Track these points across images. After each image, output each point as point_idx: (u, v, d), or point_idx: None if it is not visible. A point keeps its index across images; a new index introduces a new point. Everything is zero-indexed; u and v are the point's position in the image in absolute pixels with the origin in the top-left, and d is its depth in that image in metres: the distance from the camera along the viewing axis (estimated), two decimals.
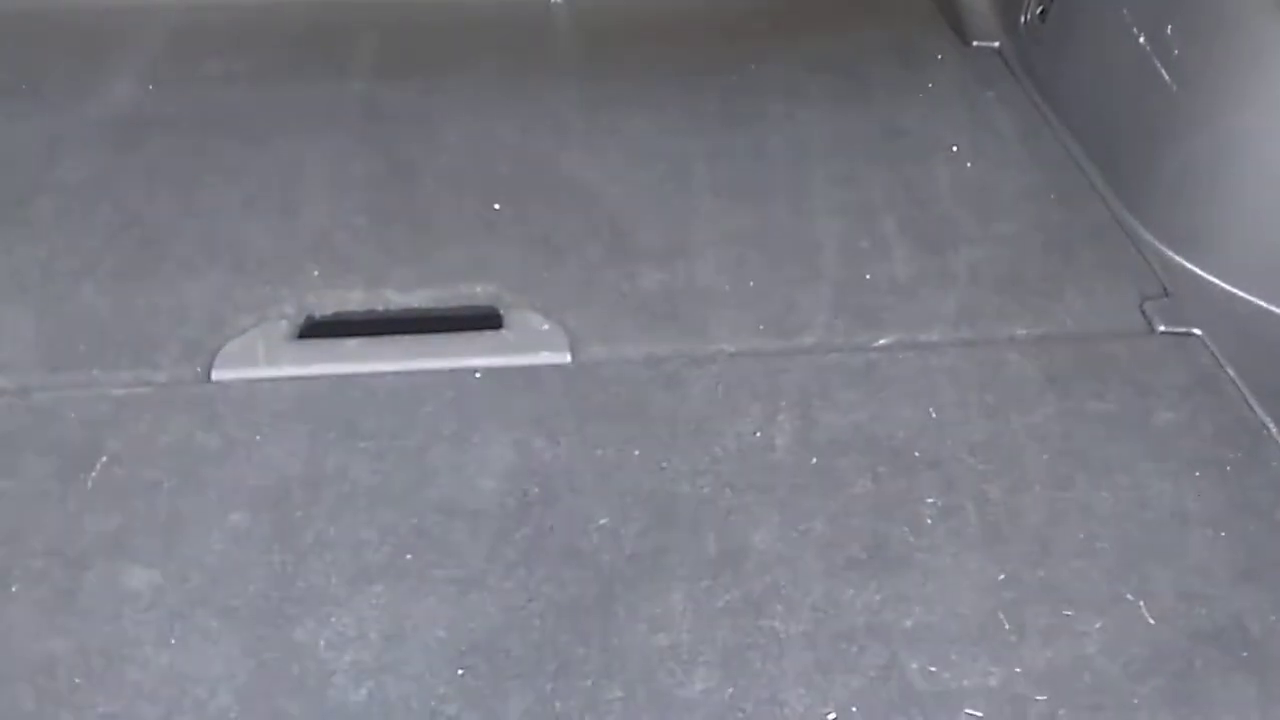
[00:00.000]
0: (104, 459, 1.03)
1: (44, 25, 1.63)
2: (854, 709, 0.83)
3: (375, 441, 1.05)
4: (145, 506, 0.99)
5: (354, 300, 1.22)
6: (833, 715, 0.83)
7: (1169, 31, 1.30)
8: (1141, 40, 1.33)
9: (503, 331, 1.17)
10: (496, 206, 1.33)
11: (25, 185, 1.36)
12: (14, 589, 0.92)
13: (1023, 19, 1.57)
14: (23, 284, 1.23)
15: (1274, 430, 1.06)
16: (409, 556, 0.94)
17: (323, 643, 0.88)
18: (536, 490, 1.01)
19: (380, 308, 1.22)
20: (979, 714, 0.83)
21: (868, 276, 1.22)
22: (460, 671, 0.86)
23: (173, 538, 0.96)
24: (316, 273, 1.24)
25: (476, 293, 1.23)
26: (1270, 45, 1.21)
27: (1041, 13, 1.52)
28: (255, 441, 1.05)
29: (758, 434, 1.05)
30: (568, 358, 1.14)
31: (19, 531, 0.96)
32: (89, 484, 1.01)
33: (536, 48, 1.61)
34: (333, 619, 0.89)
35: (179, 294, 1.21)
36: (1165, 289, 1.22)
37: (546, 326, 1.18)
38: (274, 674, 0.86)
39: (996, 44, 1.63)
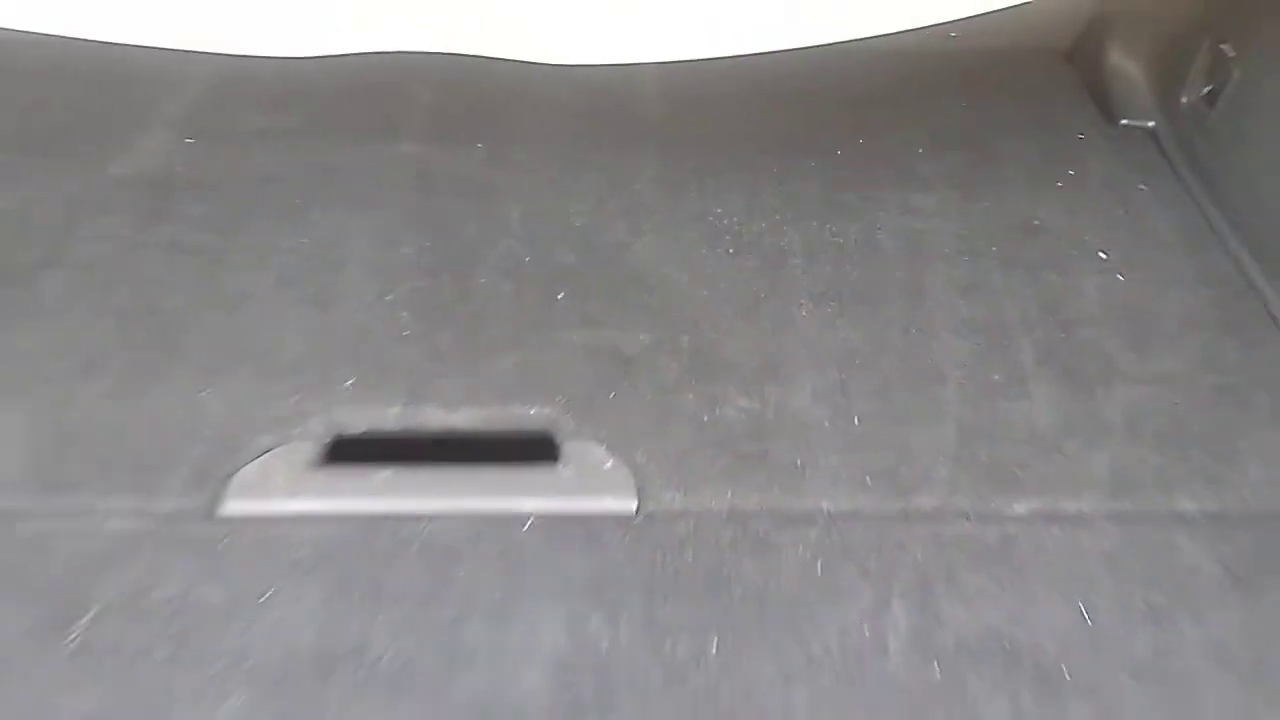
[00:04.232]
0: (92, 613, 0.89)
1: (72, 60, 1.46)
2: None
3: (402, 608, 0.89)
4: (131, 681, 0.84)
5: (390, 417, 1.05)
6: None
7: None
8: None
9: (558, 467, 1.00)
10: (560, 297, 1.16)
11: (36, 258, 1.22)
12: None
13: (1184, 98, 1.34)
14: (19, 382, 1.08)
15: None
16: None
17: None
18: (590, 691, 0.83)
19: (419, 427, 1.05)
20: None
21: (999, 420, 1.02)
22: None
23: None
24: (350, 382, 1.07)
25: (530, 415, 1.05)
26: None
27: (1209, 93, 1.29)
28: (264, 601, 0.89)
29: (866, 629, 0.86)
30: (633, 506, 0.97)
31: None
32: (71, 645, 0.86)
33: (616, 114, 1.43)
34: None
35: (193, 403, 1.05)
36: None
37: (609, 464, 1.00)
38: None
39: (1150, 123, 1.40)
